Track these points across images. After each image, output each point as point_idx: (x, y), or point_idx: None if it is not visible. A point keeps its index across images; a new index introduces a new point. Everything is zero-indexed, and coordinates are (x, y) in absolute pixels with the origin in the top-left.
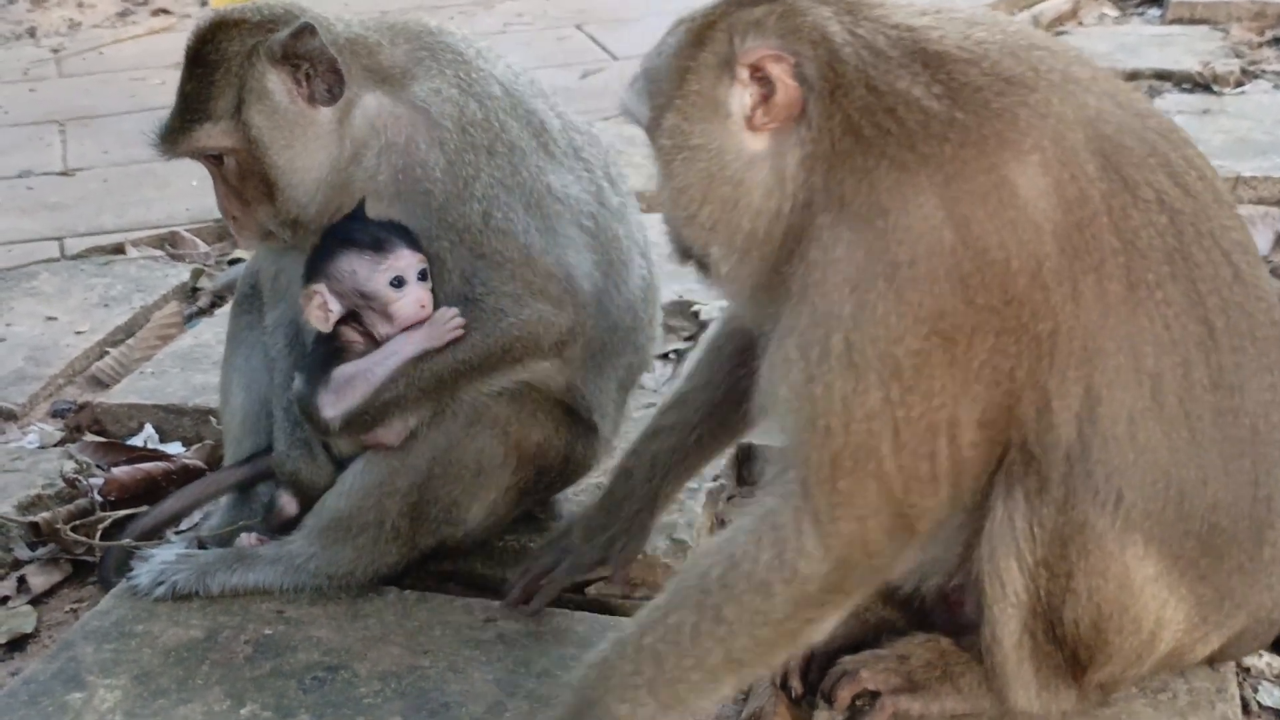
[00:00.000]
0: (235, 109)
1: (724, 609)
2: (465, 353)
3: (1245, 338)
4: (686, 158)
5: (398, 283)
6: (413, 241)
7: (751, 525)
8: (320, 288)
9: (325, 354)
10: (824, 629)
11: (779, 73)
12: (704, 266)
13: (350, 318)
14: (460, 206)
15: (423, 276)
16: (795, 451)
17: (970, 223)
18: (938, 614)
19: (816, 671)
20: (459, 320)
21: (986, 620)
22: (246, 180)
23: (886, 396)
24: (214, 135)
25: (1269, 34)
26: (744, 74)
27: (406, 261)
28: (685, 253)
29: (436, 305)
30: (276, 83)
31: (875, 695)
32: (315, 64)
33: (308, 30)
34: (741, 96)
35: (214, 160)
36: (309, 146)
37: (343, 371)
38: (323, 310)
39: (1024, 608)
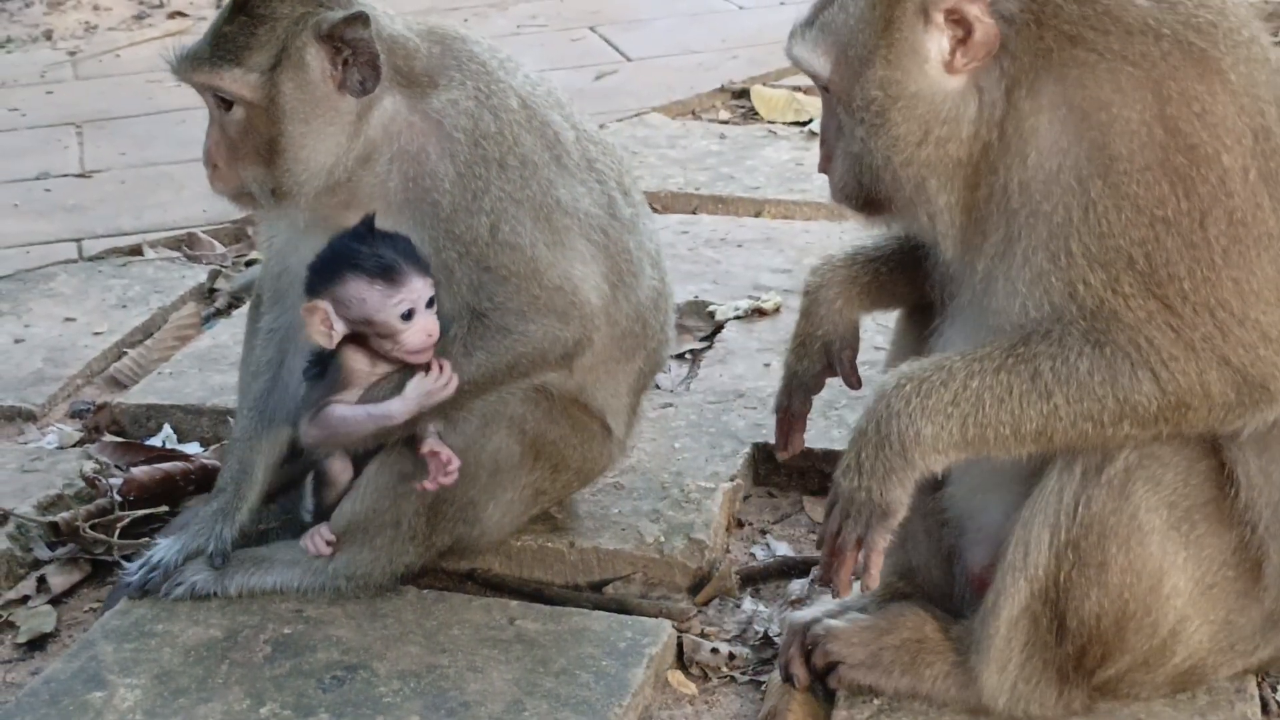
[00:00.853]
0: (270, 68)
1: (1055, 394)
2: (472, 372)
3: None
4: (904, 107)
5: (408, 314)
6: (422, 265)
7: (1080, 346)
8: (324, 304)
9: (327, 378)
10: (1147, 439)
11: (977, 13)
12: (889, 207)
13: (353, 337)
14: (468, 219)
15: (430, 303)
16: (1104, 333)
17: (1178, 121)
18: (969, 595)
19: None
20: (454, 379)
21: (993, 587)
22: (248, 136)
23: (1135, 283)
24: (239, 82)
25: None
26: (939, 18)
27: (418, 293)
28: (875, 200)
29: (443, 318)
30: (315, 58)
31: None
32: (357, 53)
33: (362, 19)
34: (939, 41)
35: (222, 105)
36: (324, 130)
37: (333, 413)
38: (326, 327)
39: (1037, 584)
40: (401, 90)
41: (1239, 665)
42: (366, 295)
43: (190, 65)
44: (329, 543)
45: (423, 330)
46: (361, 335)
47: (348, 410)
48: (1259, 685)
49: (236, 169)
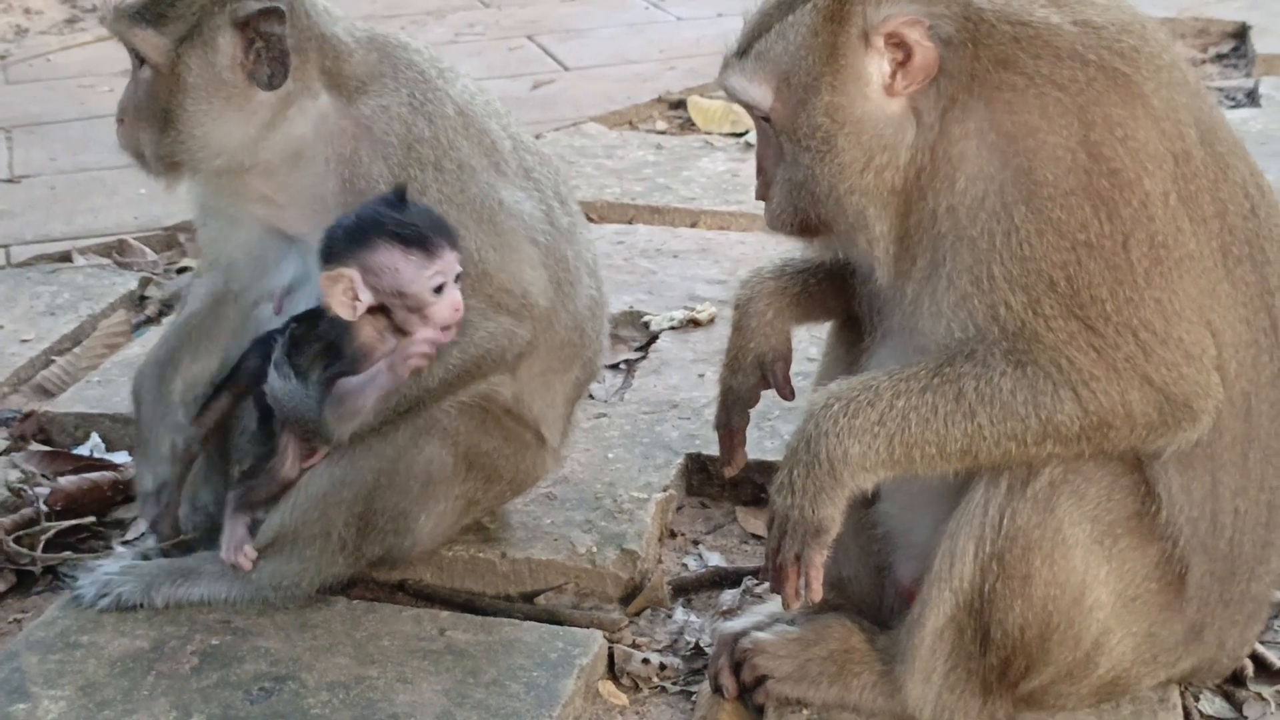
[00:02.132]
0: (181, 38)
1: (979, 414)
2: (443, 370)
3: None
4: (850, 133)
5: (439, 288)
6: (453, 238)
7: (1003, 367)
8: (352, 273)
9: (344, 358)
10: (1070, 457)
11: (917, 36)
12: (828, 233)
13: (370, 310)
14: None
15: (458, 278)
16: (1026, 353)
17: (1102, 146)
18: (898, 608)
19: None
20: (425, 350)
21: (919, 598)
22: (151, 99)
23: (1056, 305)
24: (149, 43)
25: (1212, 50)
26: (880, 42)
27: (450, 265)
28: (813, 226)
29: None
30: (227, 44)
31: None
32: (269, 46)
33: (277, 14)
34: (880, 64)
35: (137, 61)
36: (225, 114)
37: (345, 386)
38: (349, 297)
39: (962, 596)
40: (330, 92)
41: (1162, 676)
42: (401, 265)
43: (114, 16)
44: (251, 558)
45: (450, 305)
46: (384, 307)
47: (366, 379)
48: (1182, 695)
49: (135, 128)
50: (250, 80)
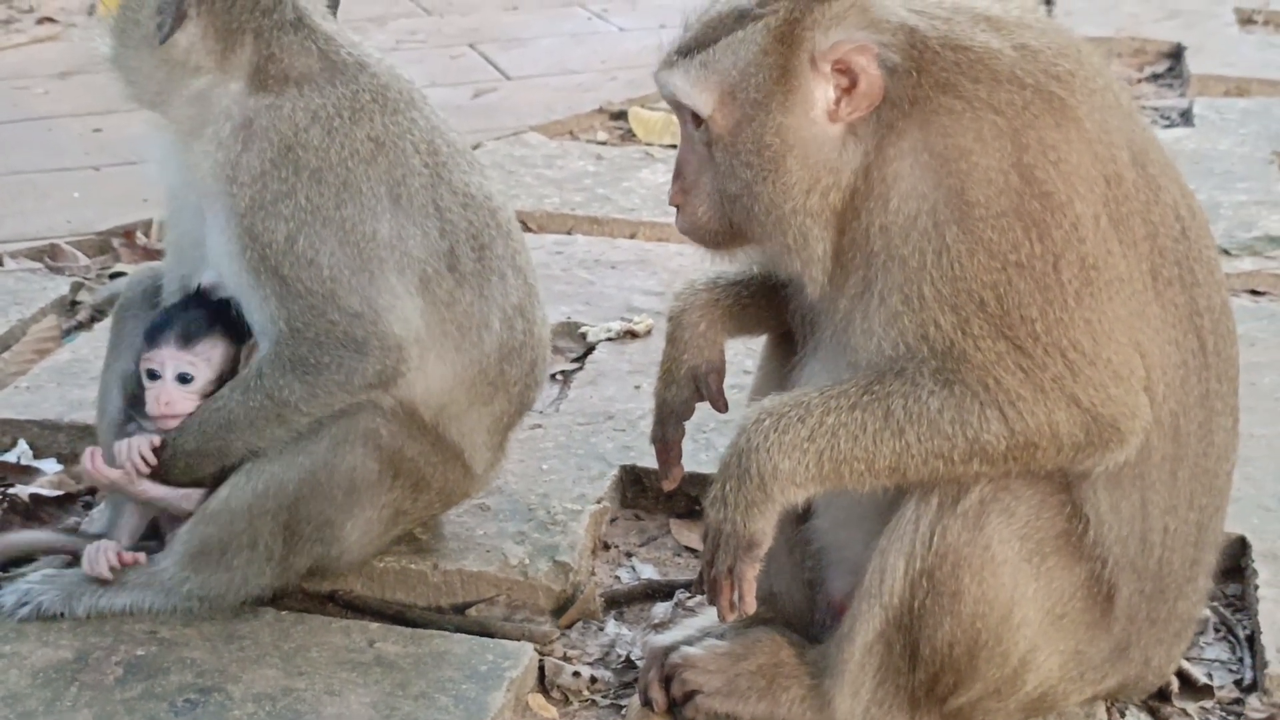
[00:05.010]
0: None
1: (906, 432)
2: (258, 398)
3: (1229, 366)
4: (799, 154)
5: (151, 375)
6: (192, 339)
7: (931, 385)
8: None
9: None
10: (998, 476)
11: (864, 64)
12: (758, 247)
13: None
14: (265, 220)
15: (183, 379)
16: (954, 373)
17: (1034, 169)
18: (829, 623)
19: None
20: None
21: (849, 613)
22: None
23: (985, 325)
24: None
25: (1148, 70)
26: (827, 68)
27: (164, 360)
28: (739, 240)
29: (249, 330)
30: None
31: None
32: (169, 5)
33: None
34: (826, 90)
35: None
36: (137, 46)
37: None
38: None
39: (891, 612)
40: (246, 82)
41: (1089, 692)
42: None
43: None
44: (114, 567)
45: (155, 397)
46: None
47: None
48: (1108, 711)
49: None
50: (155, 29)
